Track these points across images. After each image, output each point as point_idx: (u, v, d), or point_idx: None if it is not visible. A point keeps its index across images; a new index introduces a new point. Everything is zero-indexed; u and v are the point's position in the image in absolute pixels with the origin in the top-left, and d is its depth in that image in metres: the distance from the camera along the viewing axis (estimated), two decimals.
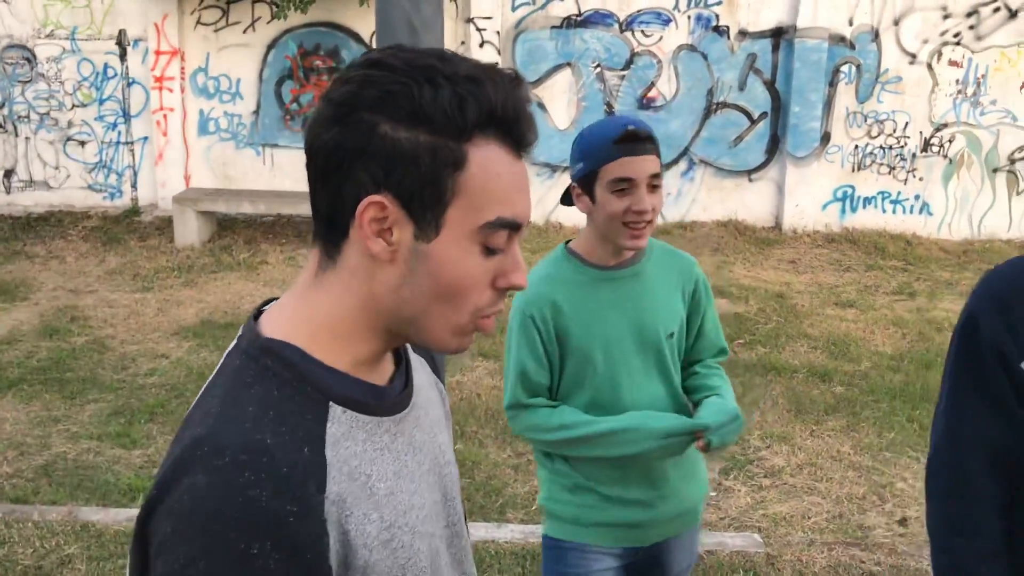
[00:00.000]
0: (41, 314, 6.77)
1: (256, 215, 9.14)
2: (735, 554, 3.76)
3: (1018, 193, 9.16)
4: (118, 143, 9.38)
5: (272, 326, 0.98)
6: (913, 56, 8.97)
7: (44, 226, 9.10)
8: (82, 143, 9.39)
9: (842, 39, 8.92)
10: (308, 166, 0.97)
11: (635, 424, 2.04)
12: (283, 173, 9.36)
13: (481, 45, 9.02)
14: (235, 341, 1.00)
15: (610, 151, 1.95)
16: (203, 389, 0.96)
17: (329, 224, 0.96)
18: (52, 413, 5.08)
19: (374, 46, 9.51)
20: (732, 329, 6.54)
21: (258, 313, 1.03)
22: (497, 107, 0.93)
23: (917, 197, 9.20)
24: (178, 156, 9.29)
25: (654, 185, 1.98)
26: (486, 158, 0.94)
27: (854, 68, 9.00)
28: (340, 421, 0.95)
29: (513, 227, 0.97)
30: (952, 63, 8.98)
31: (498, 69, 0.95)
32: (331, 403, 0.95)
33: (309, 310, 0.98)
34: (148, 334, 6.37)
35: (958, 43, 8.93)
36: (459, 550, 1.10)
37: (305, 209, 8.83)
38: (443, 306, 0.97)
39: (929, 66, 8.98)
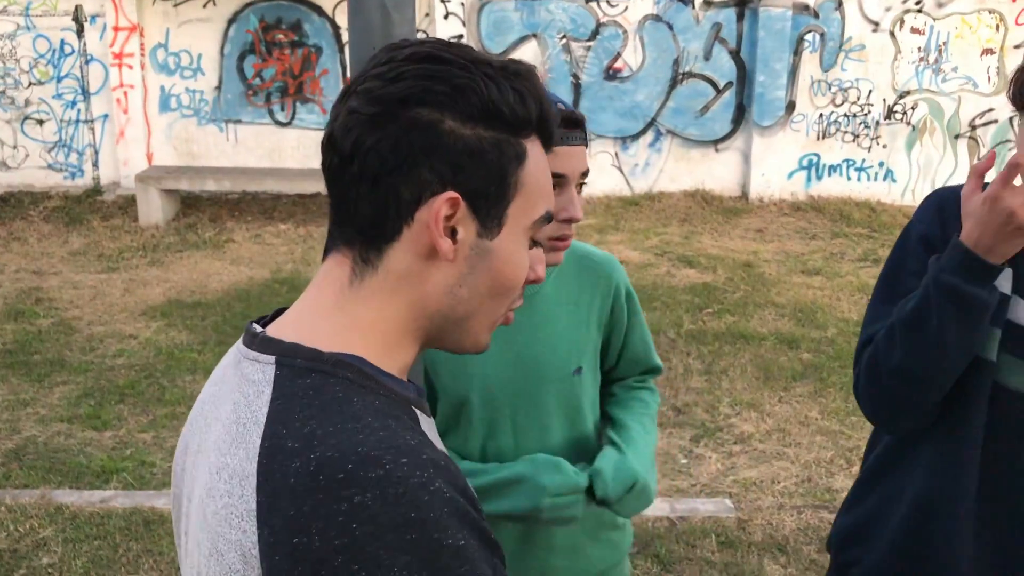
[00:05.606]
0: (4, 296, 6.67)
1: (220, 192, 9.04)
2: (707, 519, 3.82)
3: (979, 159, 9.27)
4: (77, 121, 9.22)
5: (320, 341, 0.90)
6: (876, 24, 9.03)
7: (4, 207, 8.94)
8: (40, 122, 9.21)
9: (806, 7, 8.95)
10: (342, 169, 0.91)
11: (525, 473, 1.62)
12: (247, 149, 9.26)
13: (446, 17, 8.95)
14: (273, 366, 0.89)
15: None
16: (268, 418, 0.85)
17: (371, 228, 0.91)
18: (20, 396, 5.02)
19: (337, 20, 9.32)
20: (701, 299, 6.60)
21: (262, 328, 0.96)
22: (542, 102, 0.94)
23: (881, 164, 9.31)
24: (139, 134, 9.15)
25: (581, 185, 1.58)
26: (536, 153, 0.95)
27: (818, 36, 9.04)
28: (421, 422, 0.93)
29: (550, 221, 0.99)
30: (914, 30, 9.05)
31: (522, 62, 0.95)
32: (411, 405, 0.92)
33: (356, 320, 0.92)
34: (115, 315, 6.31)
35: (920, 10, 9.00)
36: None
37: (270, 185, 8.77)
38: (493, 302, 0.96)
39: (892, 33, 9.05)
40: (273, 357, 0.89)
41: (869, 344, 1.57)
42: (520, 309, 1.61)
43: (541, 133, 0.96)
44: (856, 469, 4.32)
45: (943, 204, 1.58)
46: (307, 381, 0.86)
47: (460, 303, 0.94)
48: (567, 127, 1.50)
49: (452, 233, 0.91)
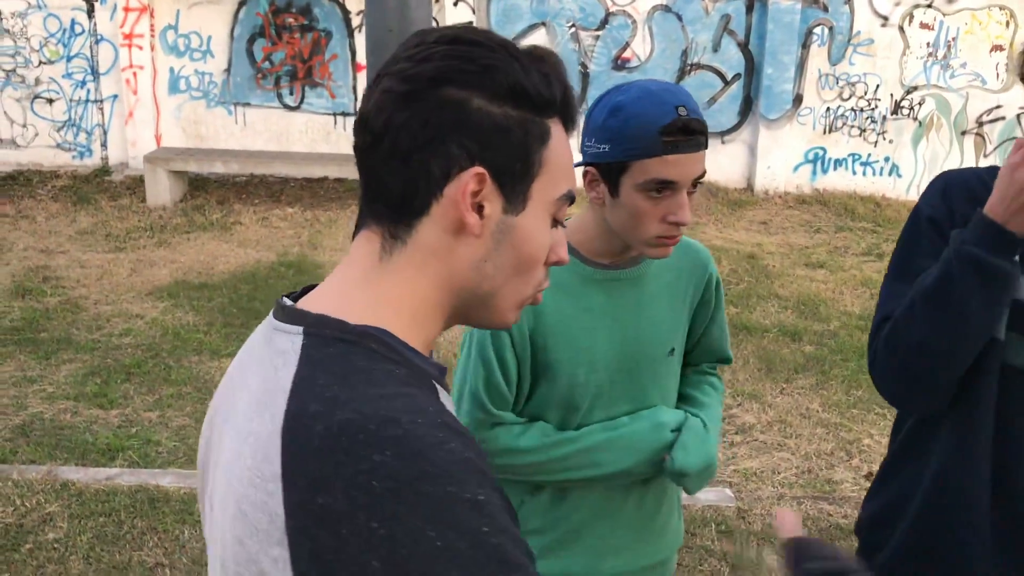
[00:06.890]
0: (12, 274, 6.71)
1: (228, 175, 9.06)
2: (707, 508, 3.86)
3: (985, 155, 9.27)
4: (87, 101, 9.24)
5: (348, 313, 0.92)
6: (885, 18, 9.01)
7: (12, 185, 8.97)
8: (50, 101, 9.23)
9: (815, 1, 8.94)
10: (374, 148, 0.94)
11: (636, 424, 1.73)
12: (255, 132, 9.28)
13: (455, 4, 8.95)
14: (301, 336, 0.91)
15: (653, 143, 1.49)
16: (294, 385, 0.87)
17: (402, 204, 0.94)
18: (27, 374, 5.06)
19: (347, 5, 9.29)
20: None
21: (295, 302, 0.98)
22: (566, 86, 0.97)
23: (887, 159, 9.30)
24: (148, 115, 9.17)
25: (697, 184, 1.57)
26: (560, 134, 0.98)
27: (826, 30, 9.03)
28: (441, 397, 0.94)
29: (572, 201, 1.01)
30: (923, 25, 9.03)
31: (544, 48, 0.98)
32: (432, 380, 0.94)
33: (384, 294, 0.95)
34: (122, 294, 6.35)
35: (929, 5, 8.98)
36: None
37: (277, 168, 8.79)
38: (518, 280, 0.99)
39: (900, 28, 9.03)
40: (301, 328, 0.91)
41: (886, 322, 1.56)
42: (625, 290, 1.70)
43: (564, 117, 0.99)
44: (856, 462, 4.35)
45: (948, 188, 1.59)
46: (332, 350, 0.89)
47: (486, 279, 0.97)
48: (683, 135, 1.49)
49: (480, 209, 0.93)
